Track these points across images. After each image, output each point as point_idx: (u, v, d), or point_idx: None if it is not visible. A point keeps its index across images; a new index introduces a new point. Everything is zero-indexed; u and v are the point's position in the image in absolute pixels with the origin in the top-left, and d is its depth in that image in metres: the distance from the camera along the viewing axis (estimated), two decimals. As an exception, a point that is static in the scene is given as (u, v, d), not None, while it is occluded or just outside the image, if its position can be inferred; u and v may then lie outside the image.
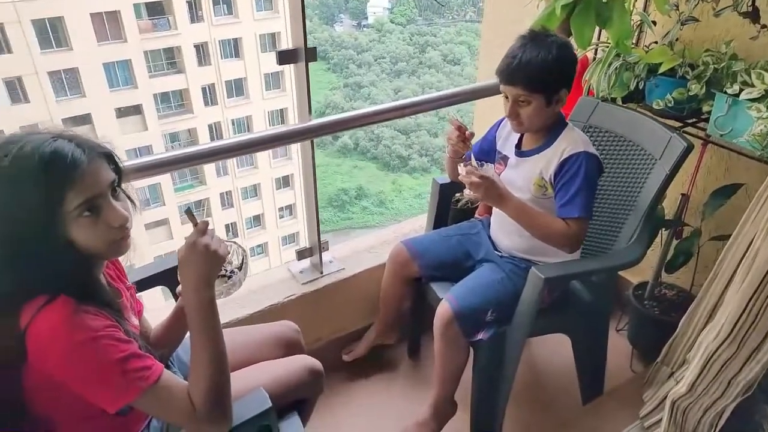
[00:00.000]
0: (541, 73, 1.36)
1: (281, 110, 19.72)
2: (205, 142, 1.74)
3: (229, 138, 1.60)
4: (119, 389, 0.91)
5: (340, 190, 23.72)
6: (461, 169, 1.40)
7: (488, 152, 1.66)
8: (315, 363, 1.33)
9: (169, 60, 17.80)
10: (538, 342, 2.04)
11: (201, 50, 18.07)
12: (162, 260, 1.43)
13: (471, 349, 1.57)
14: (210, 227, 1.04)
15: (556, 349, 1.94)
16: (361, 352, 1.90)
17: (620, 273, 2.07)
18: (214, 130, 18.61)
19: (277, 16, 18.77)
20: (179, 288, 1.19)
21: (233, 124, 19.08)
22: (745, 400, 1.35)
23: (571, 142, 1.44)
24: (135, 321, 1.17)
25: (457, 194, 2.02)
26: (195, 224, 1.02)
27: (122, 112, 16.81)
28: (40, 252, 0.88)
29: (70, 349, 0.88)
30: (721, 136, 1.46)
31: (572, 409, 1.73)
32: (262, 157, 19.24)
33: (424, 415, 1.63)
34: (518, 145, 1.56)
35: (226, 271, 1.15)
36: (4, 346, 0.90)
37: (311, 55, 1.50)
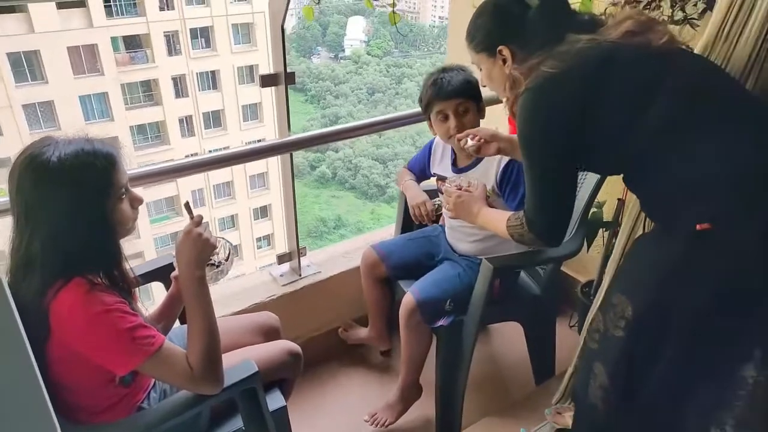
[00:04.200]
0: (468, 83, 1.67)
1: (259, 141, 19.90)
2: (187, 156, 1.91)
3: (220, 151, 1.80)
4: (129, 354, 1.08)
5: (318, 220, 23.80)
6: (446, 186, 1.59)
7: (423, 176, 1.94)
8: (294, 346, 1.50)
9: (146, 92, 17.94)
10: (497, 333, 2.25)
11: (179, 82, 18.27)
12: (156, 259, 1.59)
13: (433, 338, 1.77)
14: (204, 221, 1.24)
15: (512, 339, 2.14)
16: (350, 340, 2.11)
17: (569, 273, 2.30)
18: (192, 161, 18.65)
19: (255, 50, 19.14)
20: (173, 273, 1.39)
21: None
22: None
23: None
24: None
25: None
26: (191, 217, 1.22)
27: (98, 144, 16.76)
28: (91, 231, 1.07)
29: (87, 320, 1.05)
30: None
31: (526, 389, 1.93)
32: (240, 187, 19.34)
33: (392, 397, 1.82)
34: (454, 164, 1.80)
35: (215, 261, 1.34)
36: (34, 322, 1.07)
37: (290, 78, 1.74)
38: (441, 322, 1.69)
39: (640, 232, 1.43)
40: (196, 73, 18.35)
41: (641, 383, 1.23)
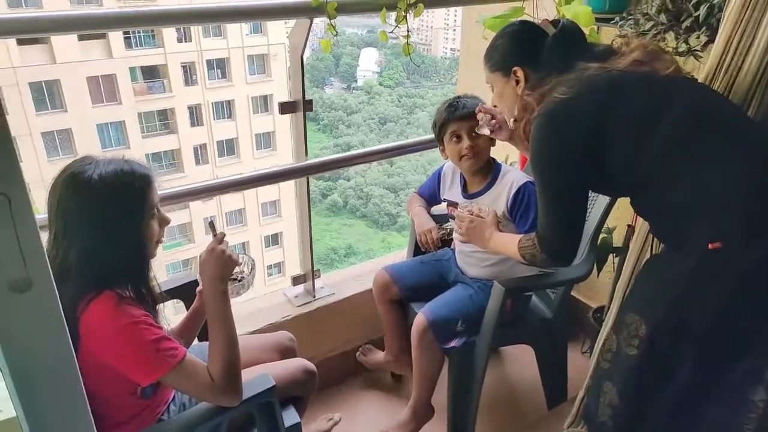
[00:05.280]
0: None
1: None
2: (203, 179, 1.98)
3: (236, 174, 1.86)
4: (154, 364, 1.13)
5: (329, 249, 23.84)
6: (459, 211, 1.66)
7: (433, 201, 1.99)
8: (309, 364, 1.54)
9: (162, 121, 18.31)
10: (509, 357, 2.25)
11: (194, 112, 18.64)
12: (179, 277, 1.65)
13: (446, 359, 1.79)
14: (226, 239, 1.30)
15: (525, 363, 2.15)
16: (368, 365, 2.13)
17: (581, 298, 2.32)
18: (205, 189, 18.90)
19: (270, 80, 19.53)
20: (198, 288, 1.44)
21: (224, 182, 19.38)
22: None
23: (515, 177, 1.75)
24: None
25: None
26: (215, 235, 1.28)
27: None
28: (125, 246, 1.13)
29: (115, 330, 1.11)
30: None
31: (539, 413, 1.94)
32: (252, 215, 19.51)
33: (404, 417, 1.83)
34: (464, 189, 1.85)
35: (237, 276, 1.40)
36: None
37: (308, 105, 1.81)
38: (453, 344, 1.71)
39: (648, 255, 1.46)
40: (212, 103, 18.73)
41: (651, 403, 1.25)
